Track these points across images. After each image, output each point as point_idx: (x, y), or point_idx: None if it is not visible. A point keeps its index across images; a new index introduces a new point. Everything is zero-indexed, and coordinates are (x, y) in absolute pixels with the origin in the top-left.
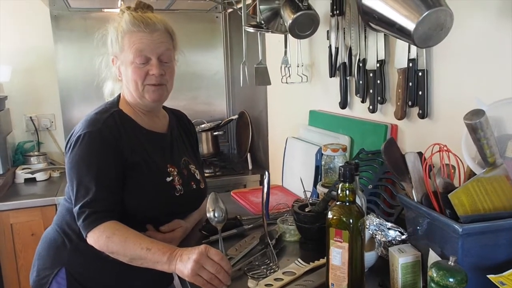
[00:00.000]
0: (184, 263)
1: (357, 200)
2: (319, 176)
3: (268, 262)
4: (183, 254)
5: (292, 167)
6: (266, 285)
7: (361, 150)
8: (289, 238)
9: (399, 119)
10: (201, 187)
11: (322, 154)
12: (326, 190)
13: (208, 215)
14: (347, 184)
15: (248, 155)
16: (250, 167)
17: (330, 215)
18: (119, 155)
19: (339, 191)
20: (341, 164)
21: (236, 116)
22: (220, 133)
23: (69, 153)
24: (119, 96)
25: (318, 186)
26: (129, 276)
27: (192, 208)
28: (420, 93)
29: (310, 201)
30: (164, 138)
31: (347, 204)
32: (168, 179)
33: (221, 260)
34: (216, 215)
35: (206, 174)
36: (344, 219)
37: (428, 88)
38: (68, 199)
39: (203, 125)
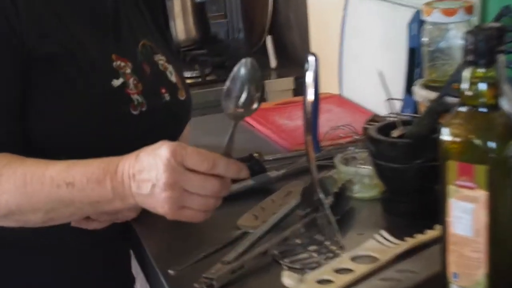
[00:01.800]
0: (149, 195)
1: (504, 105)
2: (418, 70)
3: (322, 239)
4: (136, 174)
5: (360, 56)
6: (319, 281)
7: (505, 10)
8: (361, 194)
9: None
10: (180, 98)
11: (423, 22)
12: (434, 95)
13: (226, 87)
14: (482, 70)
15: (268, 39)
16: (272, 63)
17: (447, 136)
18: (16, 41)
19: (466, 85)
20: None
21: None
22: None
23: None
24: None
25: (416, 89)
26: (45, 270)
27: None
28: None
29: (401, 118)
30: (101, 4)
31: (484, 110)
32: (116, 82)
33: (214, 167)
34: (243, 91)
35: (188, 81)
36: (477, 141)
37: None
38: None
39: None
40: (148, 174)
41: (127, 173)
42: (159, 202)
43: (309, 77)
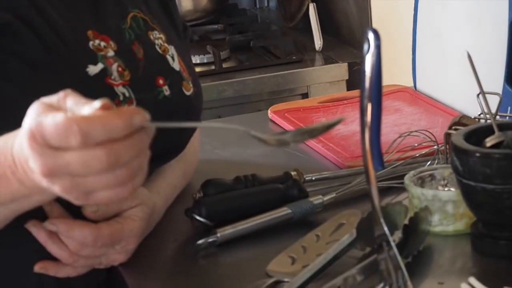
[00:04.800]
0: (49, 187)
1: None
2: None
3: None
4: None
5: (441, 34)
6: None
7: None
8: (441, 227)
9: None
10: (186, 92)
11: None
12: None
13: None
14: None
15: (311, 9)
16: (317, 44)
17: None
18: None
19: None
20: None
21: None
22: None
23: None
24: None
25: None
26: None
27: (164, 153)
28: None
29: (499, 119)
30: None
31: None
32: (93, 68)
33: (85, 137)
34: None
35: (197, 69)
36: None
37: None
38: None
39: None
40: (31, 163)
41: (23, 161)
42: (61, 194)
43: (368, 62)
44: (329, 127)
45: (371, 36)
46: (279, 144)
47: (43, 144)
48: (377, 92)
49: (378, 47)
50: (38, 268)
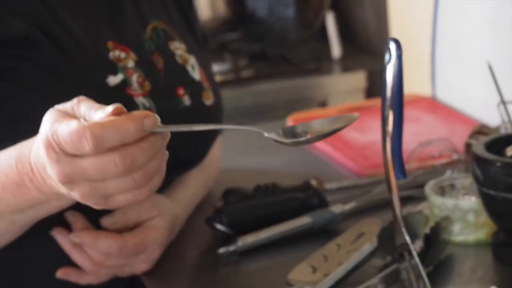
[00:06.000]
0: (68, 193)
1: None
2: None
3: None
4: (44, 170)
5: (461, 43)
6: None
7: None
8: (462, 236)
9: None
10: (206, 102)
11: None
12: None
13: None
14: None
15: (330, 18)
16: (335, 52)
17: None
18: None
19: None
20: None
21: None
22: None
23: None
24: None
25: None
26: None
27: (185, 162)
28: None
29: None
30: None
31: None
32: (113, 79)
33: (98, 143)
34: None
35: (217, 77)
36: None
37: None
38: None
39: None
40: (48, 171)
41: (41, 168)
42: (80, 199)
43: (389, 72)
44: (340, 128)
45: (392, 45)
46: (293, 145)
47: (59, 151)
48: (398, 102)
49: (399, 56)
50: (60, 274)
